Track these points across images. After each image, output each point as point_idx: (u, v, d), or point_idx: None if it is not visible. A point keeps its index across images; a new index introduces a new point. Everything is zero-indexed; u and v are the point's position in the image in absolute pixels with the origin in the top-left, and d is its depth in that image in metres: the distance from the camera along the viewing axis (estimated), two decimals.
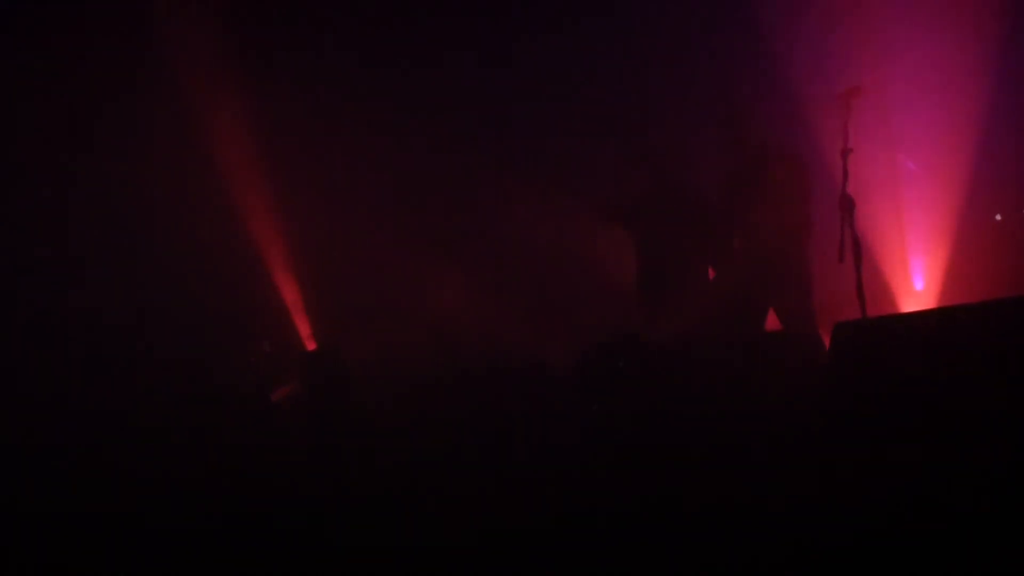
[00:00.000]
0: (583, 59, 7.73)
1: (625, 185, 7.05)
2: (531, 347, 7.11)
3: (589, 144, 7.72)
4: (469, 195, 8.13)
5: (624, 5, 7.42)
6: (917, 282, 6.53)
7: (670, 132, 7.05)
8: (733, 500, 3.78)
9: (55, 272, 7.49)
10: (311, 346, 8.05)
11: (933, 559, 3.03)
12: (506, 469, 4.80)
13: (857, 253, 5.10)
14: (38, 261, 7.47)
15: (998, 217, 7.16)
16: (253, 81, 7.79)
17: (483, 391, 6.29)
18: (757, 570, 3.22)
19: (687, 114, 7.05)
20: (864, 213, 5.37)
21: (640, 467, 4.56)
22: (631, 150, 7.07)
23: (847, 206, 5.15)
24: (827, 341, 4.39)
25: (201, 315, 7.65)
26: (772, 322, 6.28)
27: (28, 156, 7.50)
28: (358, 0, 8.09)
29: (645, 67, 7.40)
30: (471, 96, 8.16)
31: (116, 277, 7.55)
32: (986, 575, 2.92)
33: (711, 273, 6.50)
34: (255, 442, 5.97)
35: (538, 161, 7.97)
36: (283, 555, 3.85)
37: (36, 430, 5.96)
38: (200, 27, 7.61)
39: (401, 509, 4.26)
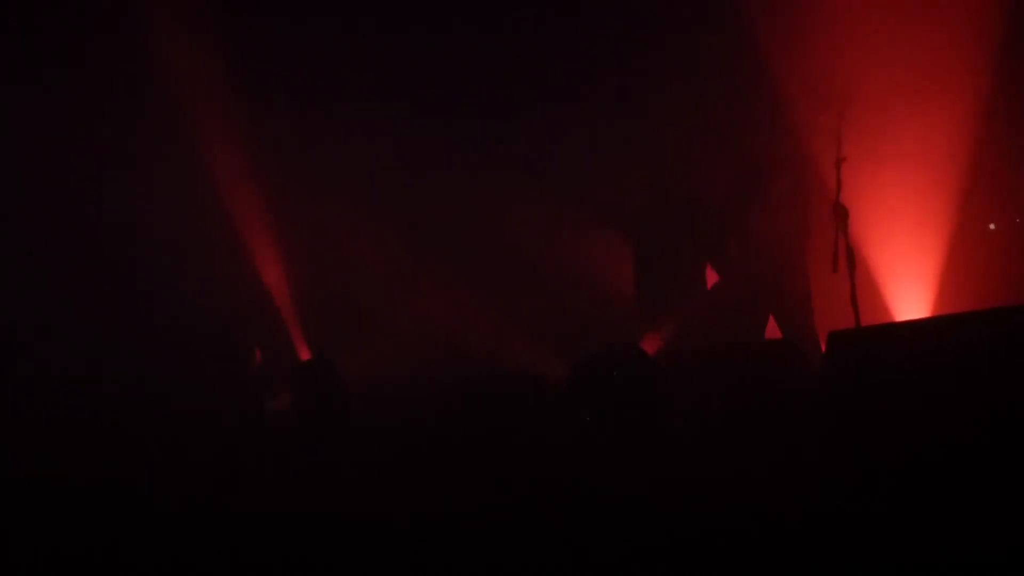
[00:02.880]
0: (583, 68, 7.73)
1: (625, 193, 7.06)
2: (529, 356, 7.11)
3: (589, 153, 7.72)
4: (467, 204, 8.13)
5: (626, 14, 7.43)
6: (911, 291, 6.53)
7: (670, 141, 7.05)
8: (730, 504, 3.78)
9: (48, 278, 7.47)
10: (305, 355, 8.03)
11: (929, 561, 3.03)
12: (502, 477, 4.80)
13: (851, 262, 5.10)
14: (32, 266, 7.46)
15: (992, 226, 7.17)
16: (249, 86, 7.78)
17: (480, 401, 6.28)
18: (754, 573, 3.22)
19: (687, 123, 7.06)
20: (857, 222, 5.38)
21: (636, 473, 4.56)
22: (631, 159, 7.08)
23: (841, 215, 5.16)
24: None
25: (193, 322, 7.63)
26: (772, 330, 6.29)
27: (24, 160, 7.49)
28: (358, 3, 8.07)
29: (646, 76, 7.41)
30: (470, 104, 8.15)
31: (109, 282, 7.53)
32: None
33: (710, 281, 6.51)
34: (248, 451, 5.96)
35: (537, 169, 7.97)
36: (277, 564, 3.84)
37: (30, 437, 5.95)
38: (196, 31, 7.59)
39: (397, 517, 4.25)
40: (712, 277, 6.53)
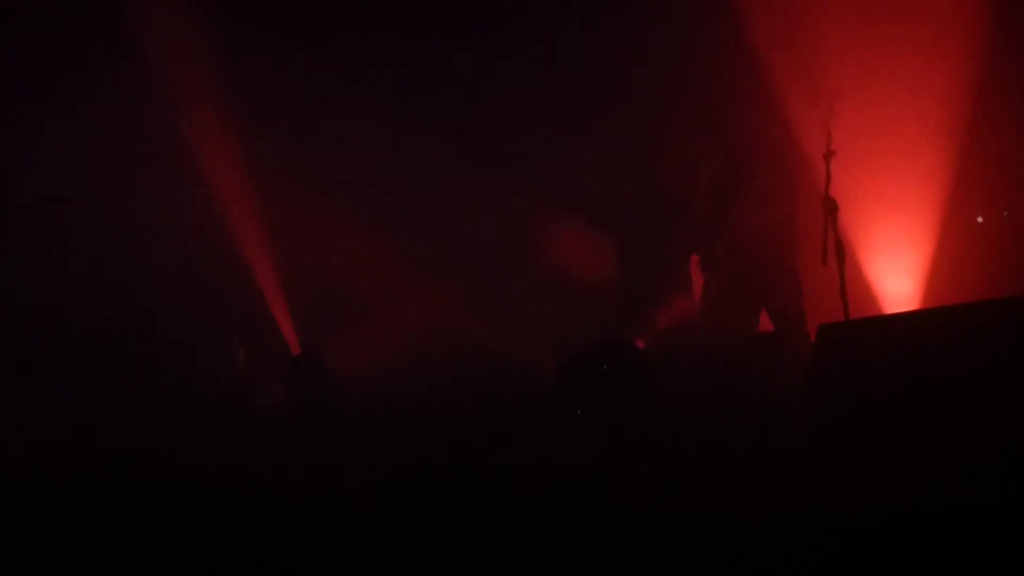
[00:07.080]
0: (567, 63, 7.74)
1: (609, 189, 7.06)
2: (516, 352, 7.11)
3: (573, 148, 7.72)
4: (453, 201, 8.13)
5: (609, 8, 7.44)
6: (900, 284, 6.56)
7: (655, 135, 7.06)
8: (720, 500, 3.79)
9: (38, 279, 7.46)
10: (296, 351, 8.02)
11: (919, 558, 3.04)
12: (494, 474, 4.81)
13: (840, 255, 5.11)
14: (27, 265, 7.46)
15: (980, 219, 7.20)
16: (243, 84, 7.78)
17: (470, 396, 6.29)
18: (745, 570, 3.23)
19: (673, 117, 7.07)
20: (847, 215, 5.39)
21: (626, 469, 4.57)
22: (615, 154, 7.08)
23: (830, 208, 5.17)
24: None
25: (184, 318, 7.63)
26: (764, 323, 6.29)
27: (22, 159, 7.49)
28: (344, 6, 8.08)
29: (631, 70, 7.41)
30: (455, 102, 8.16)
31: (102, 282, 7.52)
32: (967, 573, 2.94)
33: (696, 276, 6.52)
34: (238, 448, 5.96)
35: (522, 166, 7.98)
36: (270, 559, 3.84)
37: (24, 434, 5.96)
38: (190, 33, 7.59)
39: (388, 515, 4.25)
40: (698, 272, 6.54)
